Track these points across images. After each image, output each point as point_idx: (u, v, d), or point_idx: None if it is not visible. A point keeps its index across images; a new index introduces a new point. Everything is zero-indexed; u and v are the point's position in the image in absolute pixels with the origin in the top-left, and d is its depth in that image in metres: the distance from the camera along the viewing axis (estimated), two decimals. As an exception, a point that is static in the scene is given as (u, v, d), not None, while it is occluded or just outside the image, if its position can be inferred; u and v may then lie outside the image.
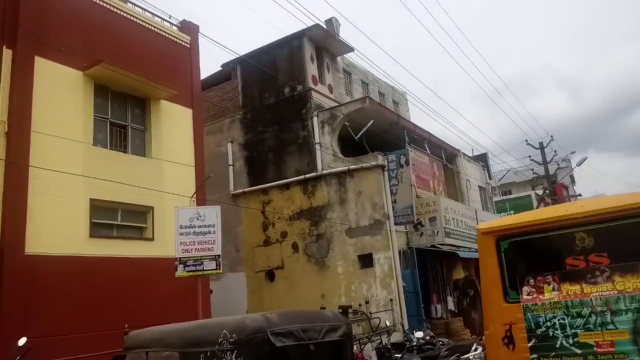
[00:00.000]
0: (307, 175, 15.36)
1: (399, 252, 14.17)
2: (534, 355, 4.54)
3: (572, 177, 54.45)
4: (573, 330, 4.47)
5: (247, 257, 15.94)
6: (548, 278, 4.71)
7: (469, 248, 17.15)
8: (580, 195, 42.72)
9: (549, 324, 4.59)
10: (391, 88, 21.90)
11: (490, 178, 25.00)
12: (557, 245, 4.81)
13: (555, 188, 39.16)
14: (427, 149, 18.25)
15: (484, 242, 5.09)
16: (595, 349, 4.34)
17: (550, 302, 4.62)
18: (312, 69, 16.27)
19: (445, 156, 20.08)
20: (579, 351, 4.41)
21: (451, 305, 15.04)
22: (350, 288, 14.20)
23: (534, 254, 4.94)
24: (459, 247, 16.34)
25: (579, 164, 28.78)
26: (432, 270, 15.28)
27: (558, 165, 47.58)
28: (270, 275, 15.45)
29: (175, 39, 13.38)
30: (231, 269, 16.00)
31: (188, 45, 13.60)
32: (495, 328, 4.81)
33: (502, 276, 4.88)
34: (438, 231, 14.93)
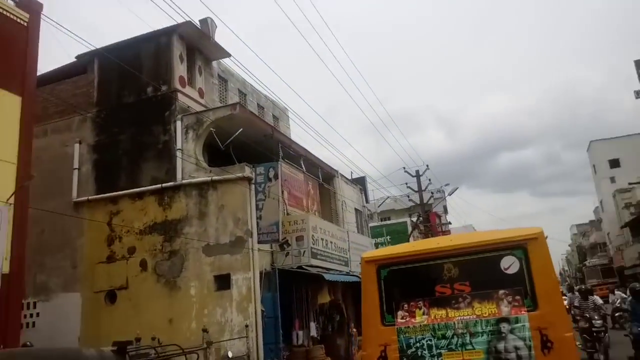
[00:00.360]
0: (164, 185, 13.64)
1: (261, 273, 12.88)
2: None
3: (445, 208, 57.31)
4: (438, 350, 4.96)
5: (85, 275, 13.69)
6: (420, 303, 5.18)
7: (339, 271, 16.34)
8: (450, 223, 44.81)
9: (418, 344, 5.03)
10: (272, 102, 20.86)
11: (367, 201, 24.78)
12: (429, 274, 5.33)
13: (429, 216, 40.69)
14: (303, 167, 17.32)
15: (366, 269, 5.49)
16: None
17: (420, 325, 5.09)
18: (180, 70, 14.69)
19: (323, 176, 19.34)
20: None
21: (313, 332, 13.96)
22: (202, 312, 12.60)
23: (409, 281, 5.45)
24: (328, 269, 15.44)
25: (450, 194, 29.67)
26: (296, 294, 14.15)
27: (432, 194, 50.11)
28: (111, 296, 13.34)
29: (9, 15, 11.16)
30: (64, 289, 13.65)
31: (25, 24, 11.43)
32: (372, 349, 5.19)
33: (380, 301, 5.30)
34: (304, 251, 13.87)
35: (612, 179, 54.59)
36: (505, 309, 4.95)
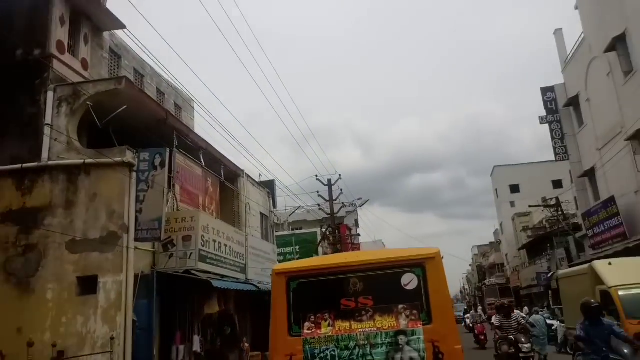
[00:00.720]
0: (25, 165, 11.32)
1: (137, 275, 10.93)
2: None
3: (356, 221, 57.37)
4: None
5: None
6: (326, 315, 5.42)
7: (235, 278, 14.64)
8: (359, 235, 44.67)
9: (322, 355, 5.28)
10: (175, 90, 18.84)
11: (275, 206, 23.26)
12: (336, 288, 5.53)
13: (339, 227, 40.10)
14: (203, 161, 15.48)
15: (276, 281, 5.67)
16: None
17: (325, 337, 5.34)
18: (59, 33, 12.46)
19: (226, 174, 17.61)
20: None
21: (197, 346, 12.12)
22: (59, 321, 10.43)
23: (317, 294, 5.62)
24: (222, 275, 13.68)
25: (361, 205, 28.84)
26: (179, 302, 12.25)
27: (343, 204, 49.60)
28: (-57, 298, 10.71)
29: None
30: None
31: None
32: (278, 359, 5.41)
33: (289, 312, 5.48)
34: (192, 254, 12.04)
35: (512, 203, 57.35)
36: (403, 323, 5.29)
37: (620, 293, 9.95)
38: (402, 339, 5.23)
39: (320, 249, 34.26)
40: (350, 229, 46.93)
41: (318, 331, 5.38)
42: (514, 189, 57.91)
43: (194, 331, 12.44)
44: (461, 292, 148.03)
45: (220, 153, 17.01)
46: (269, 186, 23.05)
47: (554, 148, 24.71)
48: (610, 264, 11.17)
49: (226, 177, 17.75)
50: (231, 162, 18.08)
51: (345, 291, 5.49)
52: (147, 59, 16.62)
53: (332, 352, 5.26)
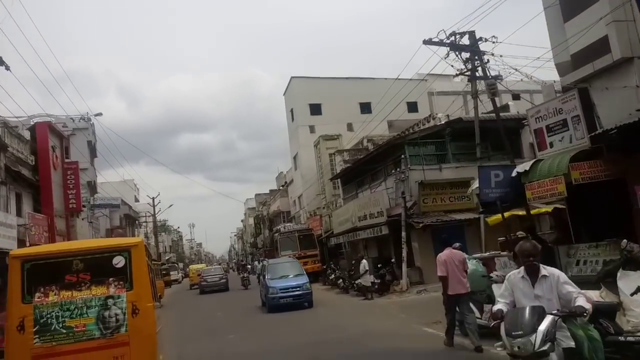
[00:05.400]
0: None
1: None
2: (37, 336, 7.01)
3: (92, 146, 37.48)
4: (63, 319, 7.14)
5: None
6: (53, 287, 7.31)
7: None
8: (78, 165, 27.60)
9: (49, 316, 7.11)
10: None
11: None
12: (62, 267, 7.55)
13: (35, 127, 26.58)
14: None
15: (12, 263, 7.39)
16: (74, 329, 7.19)
17: (52, 302, 7.22)
18: None
19: None
20: (64, 331, 7.13)
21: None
22: None
23: (46, 272, 7.51)
24: None
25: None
26: None
27: (73, 120, 35.54)
28: None
29: None
30: None
31: None
32: (12, 320, 7.05)
33: (22, 286, 7.27)
34: None
35: (312, 128, 43.57)
36: (112, 290, 7.35)
37: None
38: (110, 301, 7.23)
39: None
40: (61, 137, 26.15)
41: (46, 299, 7.14)
42: (315, 109, 45.28)
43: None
44: (230, 251, 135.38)
45: None
46: None
47: None
48: None
49: None
50: None
51: (69, 269, 7.35)
52: None
53: (57, 313, 7.00)
